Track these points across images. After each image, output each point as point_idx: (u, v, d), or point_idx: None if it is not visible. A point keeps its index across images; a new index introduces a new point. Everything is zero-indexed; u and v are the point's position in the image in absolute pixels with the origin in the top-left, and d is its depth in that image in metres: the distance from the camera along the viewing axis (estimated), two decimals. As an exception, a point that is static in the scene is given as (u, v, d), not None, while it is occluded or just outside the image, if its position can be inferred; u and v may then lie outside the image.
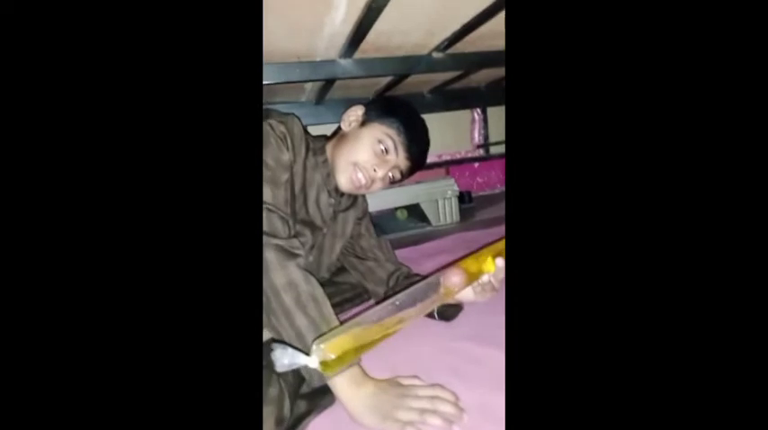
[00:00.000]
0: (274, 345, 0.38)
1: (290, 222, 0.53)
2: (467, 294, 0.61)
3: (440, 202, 1.34)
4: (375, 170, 0.61)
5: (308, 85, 0.95)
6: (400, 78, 0.91)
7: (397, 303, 0.46)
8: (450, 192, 1.34)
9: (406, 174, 0.65)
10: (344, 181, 0.62)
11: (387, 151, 0.61)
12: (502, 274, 0.54)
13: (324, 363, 0.38)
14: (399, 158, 0.62)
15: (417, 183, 1.32)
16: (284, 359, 0.37)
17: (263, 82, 0.72)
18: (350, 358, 0.40)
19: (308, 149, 0.62)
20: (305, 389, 0.48)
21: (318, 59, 0.73)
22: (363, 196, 0.76)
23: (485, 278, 0.55)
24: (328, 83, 0.87)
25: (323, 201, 0.64)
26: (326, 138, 0.68)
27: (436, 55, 0.79)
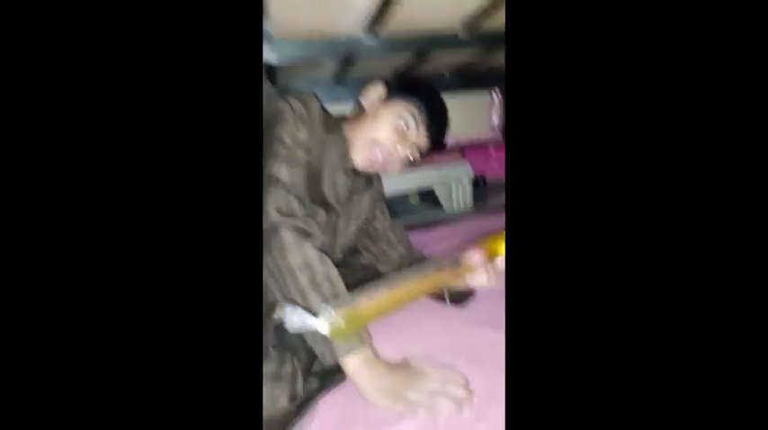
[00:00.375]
0: (286, 304, 0.38)
1: (306, 202, 0.53)
2: (481, 279, 0.61)
3: (453, 187, 1.32)
4: (395, 148, 0.60)
5: (328, 64, 0.93)
6: (422, 57, 0.88)
7: (413, 273, 0.45)
8: (464, 177, 1.32)
9: (425, 154, 0.64)
10: (362, 158, 0.61)
11: (408, 128, 0.60)
12: None
13: (333, 330, 0.38)
14: (420, 137, 0.61)
15: (431, 166, 1.30)
16: (294, 318, 0.37)
17: (286, 57, 0.71)
18: (359, 326, 0.40)
19: (325, 128, 0.61)
20: (317, 367, 0.49)
21: (342, 34, 0.71)
22: (379, 179, 0.75)
23: (498, 261, 0.54)
24: (350, 61, 0.85)
25: (339, 182, 0.63)
26: (345, 118, 0.66)
27: (461, 33, 0.76)
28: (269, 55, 0.69)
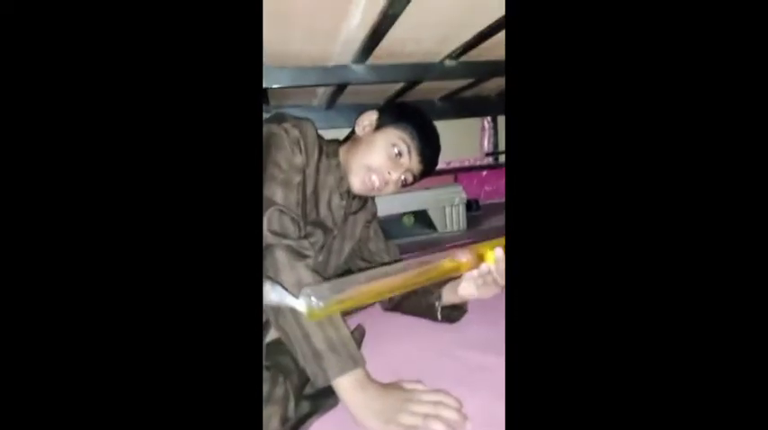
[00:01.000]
0: (265, 280, 0.38)
1: (301, 224, 0.54)
2: (470, 289, 0.61)
3: (447, 209, 1.33)
4: (389, 173, 0.62)
5: (320, 90, 0.96)
6: (412, 85, 0.91)
7: (399, 265, 0.45)
8: (457, 199, 1.34)
9: (418, 178, 0.67)
10: (358, 183, 0.63)
11: (401, 155, 0.62)
12: (503, 266, 0.54)
13: (310, 311, 0.38)
14: (413, 162, 0.64)
15: (425, 189, 1.32)
16: (273, 295, 0.37)
17: (278, 85, 0.73)
18: (337, 310, 0.40)
19: (321, 153, 0.63)
20: (309, 389, 0.49)
21: (332, 64, 0.74)
22: (373, 200, 0.76)
23: (484, 268, 0.54)
24: (340, 88, 0.88)
25: (335, 204, 0.65)
26: (339, 143, 0.69)
27: (448, 63, 0.79)
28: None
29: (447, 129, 1.36)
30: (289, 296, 0.37)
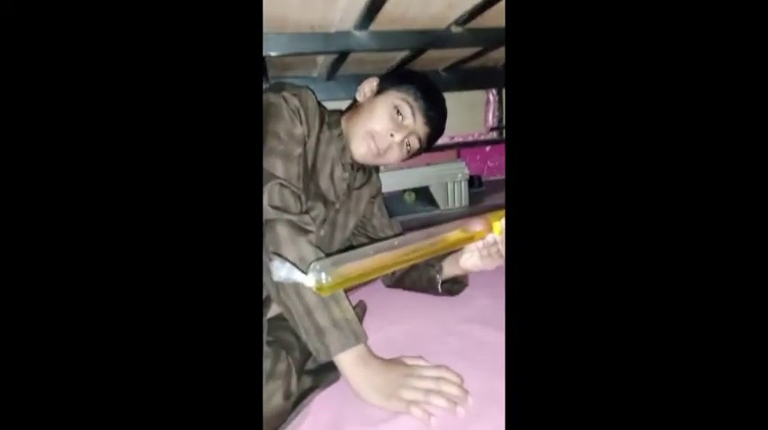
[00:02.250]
0: (273, 257, 0.37)
1: (303, 197, 0.53)
2: (473, 261, 0.61)
3: (449, 186, 1.32)
4: (392, 135, 0.60)
5: (321, 59, 0.92)
6: (416, 54, 0.87)
7: (407, 237, 0.45)
8: (460, 175, 1.32)
9: (425, 142, 0.64)
10: (361, 150, 0.61)
11: (404, 116, 0.60)
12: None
13: (319, 285, 0.38)
14: (417, 124, 0.61)
15: (427, 165, 1.29)
16: (282, 271, 0.37)
17: (276, 52, 0.70)
18: (346, 284, 0.40)
19: (322, 122, 0.61)
20: (310, 364, 0.49)
21: (333, 31, 0.70)
22: (377, 175, 0.75)
23: (490, 239, 0.53)
24: (342, 56, 0.84)
25: (337, 176, 0.63)
26: (341, 113, 0.66)
27: (455, 29, 0.76)
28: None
29: (451, 102, 1.32)
30: (297, 272, 0.37)
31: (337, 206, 0.65)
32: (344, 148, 0.62)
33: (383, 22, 0.68)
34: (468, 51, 0.98)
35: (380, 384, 0.44)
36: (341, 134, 0.63)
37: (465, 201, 1.33)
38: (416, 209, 1.34)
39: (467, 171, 1.33)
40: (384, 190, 1.25)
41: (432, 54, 0.92)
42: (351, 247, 0.76)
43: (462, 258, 0.62)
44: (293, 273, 0.37)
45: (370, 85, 0.64)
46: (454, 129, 1.38)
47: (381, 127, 0.59)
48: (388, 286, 0.77)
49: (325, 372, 0.48)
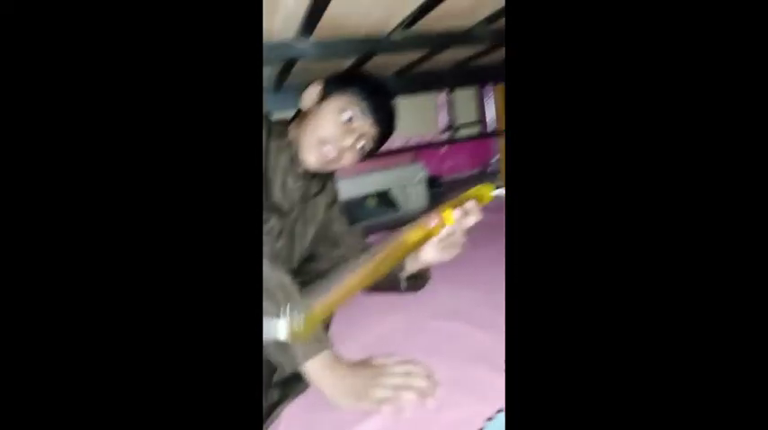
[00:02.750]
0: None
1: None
2: (432, 254, 0.60)
3: (408, 188, 1.34)
4: (343, 141, 0.59)
5: (267, 71, 0.91)
6: (362, 60, 0.89)
7: (368, 253, 0.45)
8: (419, 177, 1.34)
9: (377, 142, 0.64)
10: (313, 159, 0.60)
11: (351, 120, 0.59)
12: (464, 225, 0.54)
13: (293, 334, 0.37)
14: (366, 125, 0.60)
15: (386, 169, 1.31)
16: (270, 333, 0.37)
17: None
18: (317, 324, 0.41)
19: (269, 133, 0.60)
20: (276, 377, 0.48)
21: (274, 41, 0.70)
22: (333, 181, 0.74)
23: (445, 231, 0.54)
24: (287, 66, 0.84)
25: (289, 186, 0.62)
26: (287, 122, 0.66)
27: (397, 35, 0.77)
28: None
29: (404, 106, 1.35)
30: (268, 327, 0.37)
31: (293, 216, 0.65)
32: (294, 158, 0.61)
33: (325, 29, 0.68)
34: (414, 55, 1.01)
35: (350, 387, 0.43)
36: (289, 144, 0.62)
37: (425, 202, 1.36)
38: (379, 212, 1.35)
39: (425, 173, 1.36)
40: (345, 196, 1.25)
41: (379, 60, 0.93)
42: (312, 258, 0.76)
43: (422, 253, 0.63)
44: (266, 329, 0.36)
45: (314, 90, 0.63)
46: (410, 132, 1.42)
47: (330, 133, 0.59)
48: None
49: (293, 383, 0.47)
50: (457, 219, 0.52)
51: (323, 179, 0.70)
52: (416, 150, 1.47)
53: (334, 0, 0.56)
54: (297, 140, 0.61)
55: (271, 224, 0.60)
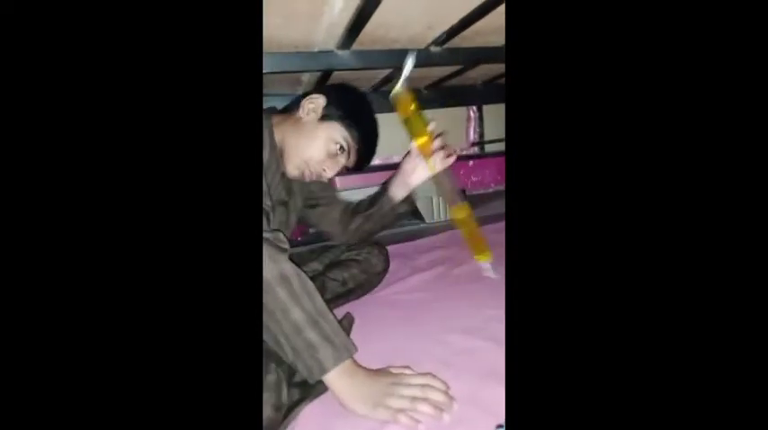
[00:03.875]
0: None
1: (271, 215, 0.53)
2: (419, 173, 0.69)
3: (434, 199, 1.34)
4: (324, 170, 0.63)
5: (305, 77, 0.94)
6: (397, 72, 0.90)
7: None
8: (444, 188, 1.34)
9: (354, 167, 0.68)
10: (292, 170, 0.63)
11: (340, 153, 0.63)
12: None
13: None
14: (350, 160, 0.64)
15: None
16: None
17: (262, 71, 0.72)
18: None
19: None
20: (298, 377, 0.48)
21: (316, 50, 0.72)
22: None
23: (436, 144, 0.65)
24: (325, 74, 0.87)
25: (276, 182, 0.64)
26: (269, 113, 0.67)
27: (434, 49, 0.79)
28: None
29: (434, 118, 1.36)
30: None
31: (286, 208, 0.68)
32: (278, 158, 0.62)
33: (365, 41, 0.70)
34: (447, 70, 1.02)
35: (367, 394, 0.44)
36: (274, 145, 0.61)
37: (450, 215, 1.35)
38: (402, 223, 1.36)
39: (451, 185, 1.35)
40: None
41: (413, 73, 0.95)
42: (333, 265, 0.77)
43: (413, 176, 0.68)
44: None
45: (315, 103, 0.63)
46: (437, 145, 1.42)
47: (318, 160, 0.62)
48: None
49: (313, 385, 0.48)
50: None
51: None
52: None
53: (377, 11, 0.58)
54: (283, 143, 0.62)
55: (277, 216, 0.63)
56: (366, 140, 0.64)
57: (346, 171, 0.67)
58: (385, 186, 0.73)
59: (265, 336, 0.45)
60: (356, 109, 0.65)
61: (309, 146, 0.61)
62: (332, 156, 0.62)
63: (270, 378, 0.44)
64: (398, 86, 0.62)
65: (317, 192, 0.77)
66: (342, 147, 0.62)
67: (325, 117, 0.62)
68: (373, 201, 0.74)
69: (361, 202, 0.76)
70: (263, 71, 0.72)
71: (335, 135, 0.61)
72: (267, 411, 0.42)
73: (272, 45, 0.69)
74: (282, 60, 0.72)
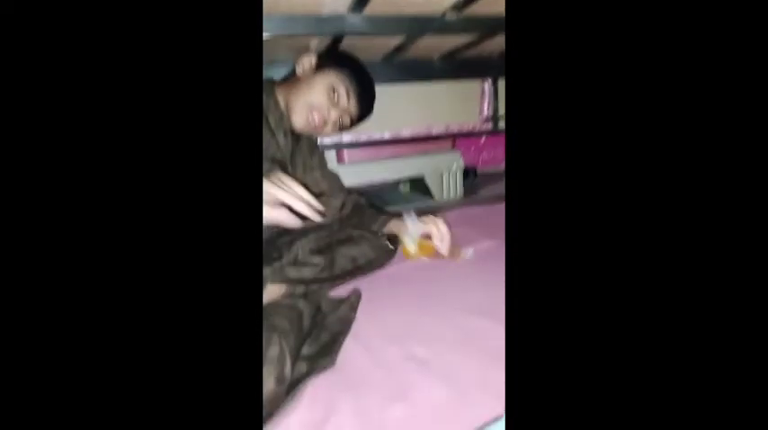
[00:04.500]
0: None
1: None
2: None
3: (444, 176, 1.31)
4: (329, 112, 0.66)
5: (313, 44, 0.90)
6: (411, 39, 0.86)
7: None
8: (455, 165, 1.31)
9: (355, 121, 0.70)
10: (301, 121, 0.66)
11: (339, 96, 0.66)
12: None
13: None
14: (350, 104, 0.67)
15: (423, 154, 1.28)
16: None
17: (267, 34, 0.68)
18: None
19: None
20: (306, 350, 0.48)
21: (326, 13, 0.68)
22: (310, 138, 0.78)
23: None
24: (335, 41, 0.83)
25: (281, 142, 0.67)
26: (273, 82, 0.70)
27: (450, 15, 0.74)
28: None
29: (446, 92, 1.31)
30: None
31: (289, 170, 0.68)
32: (283, 115, 0.67)
33: (377, 5, 0.66)
34: (463, 40, 0.97)
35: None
36: (276, 103, 0.67)
37: (460, 192, 1.33)
38: (412, 199, 1.33)
39: (462, 162, 1.32)
40: (378, 180, 1.24)
41: (427, 42, 0.90)
42: (340, 241, 0.76)
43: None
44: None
45: (309, 60, 0.68)
46: (449, 119, 1.38)
47: (320, 102, 0.65)
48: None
49: (320, 358, 0.48)
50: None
51: (300, 136, 0.74)
52: (455, 138, 1.43)
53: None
54: (287, 101, 0.67)
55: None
56: (361, 81, 0.67)
57: (350, 123, 0.70)
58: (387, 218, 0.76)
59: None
60: (346, 57, 0.70)
61: (310, 92, 0.65)
62: (332, 98, 0.66)
63: (272, 350, 0.44)
64: (410, 248, 0.72)
65: (320, 180, 0.77)
66: (339, 91, 0.66)
67: (319, 67, 0.67)
68: (369, 221, 0.75)
69: (360, 206, 0.78)
70: (270, 34, 0.68)
71: (332, 79, 0.66)
72: (270, 384, 0.42)
73: (280, 6, 0.65)
74: (290, 23, 0.68)
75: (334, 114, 0.66)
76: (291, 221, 0.45)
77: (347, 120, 0.69)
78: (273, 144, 0.65)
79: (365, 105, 0.70)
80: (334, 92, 0.66)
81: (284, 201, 0.45)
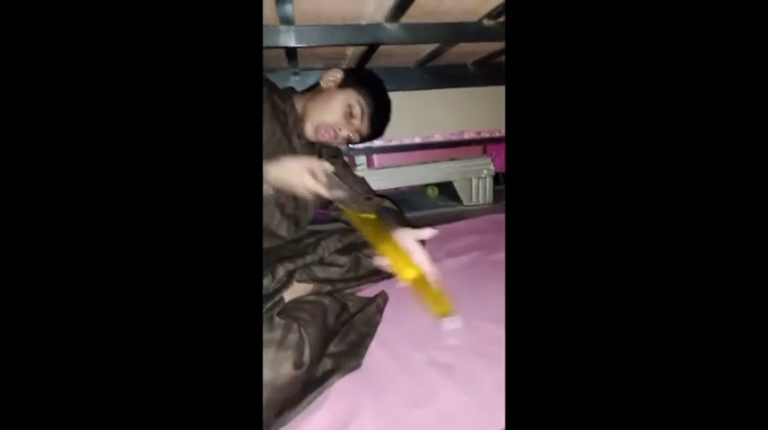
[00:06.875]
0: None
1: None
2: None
3: (474, 182, 1.30)
4: (339, 129, 0.68)
5: (350, 51, 0.92)
6: (446, 46, 0.87)
7: None
8: (485, 171, 1.30)
9: (364, 139, 0.73)
10: (310, 130, 0.68)
11: (354, 116, 0.68)
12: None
13: None
14: (363, 125, 0.69)
15: (452, 160, 1.28)
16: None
17: (307, 44, 0.71)
18: None
19: (277, 97, 0.68)
20: (332, 348, 0.50)
21: (364, 22, 0.70)
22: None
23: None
24: (371, 48, 0.85)
25: (295, 143, 0.69)
26: (293, 91, 0.74)
27: (487, 23, 0.74)
28: (289, 38, 0.71)
29: (479, 97, 1.30)
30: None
31: None
32: (297, 121, 0.70)
33: (415, 14, 0.67)
34: (497, 46, 0.96)
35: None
36: (293, 108, 0.70)
37: (489, 198, 1.31)
38: (439, 204, 1.34)
39: (492, 167, 1.31)
40: (407, 184, 1.25)
41: (461, 47, 0.90)
42: (351, 246, 0.77)
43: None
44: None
45: (335, 75, 0.70)
46: (481, 125, 1.37)
47: (334, 119, 0.67)
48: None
49: (347, 358, 0.49)
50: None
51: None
52: (486, 144, 1.42)
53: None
54: (304, 108, 0.69)
55: None
56: (379, 106, 0.70)
57: (359, 140, 0.72)
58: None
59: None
60: (372, 81, 0.72)
61: (328, 106, 0.68)
62: (347, 117, 0.68)
63: (291, 337, 0.46)
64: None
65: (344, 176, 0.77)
66: (354, 111, 0.68)
67: (342, 85, 0.69)
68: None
69: (388, 210, 0.76)
70: (311, 44, 0.71)
71: (351, 98, 0.67)
72: (287, 368, 0.44)
73: (321, 18, 0.68)
74: (330, 33, 0.70)
75: (344, 132, 0.68)
76: (321, 188, 0.51)
77: (357, 138, 0.71)
78: (285, 143, 0.68)
79: (377, 127, 0.72)
80: (350, 111, 0.68)
81: (312, 168, 0.50)
